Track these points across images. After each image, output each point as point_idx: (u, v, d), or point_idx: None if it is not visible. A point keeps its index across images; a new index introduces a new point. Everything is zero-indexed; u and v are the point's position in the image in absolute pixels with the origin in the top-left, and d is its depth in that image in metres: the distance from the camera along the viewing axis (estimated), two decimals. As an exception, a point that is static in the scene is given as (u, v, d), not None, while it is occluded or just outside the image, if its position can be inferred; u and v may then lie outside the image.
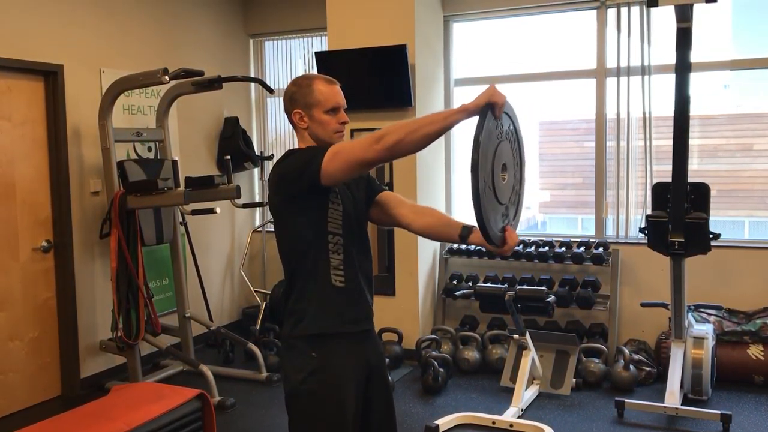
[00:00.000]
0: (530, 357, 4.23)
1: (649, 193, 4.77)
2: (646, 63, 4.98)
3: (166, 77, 4.20)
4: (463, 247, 5.34)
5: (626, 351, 4.57)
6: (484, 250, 5.01)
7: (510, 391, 4.27)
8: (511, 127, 2.14)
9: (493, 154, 1.99)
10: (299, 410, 2.15)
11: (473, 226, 2.12)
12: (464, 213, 5.72)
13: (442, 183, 5.61)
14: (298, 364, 2.12)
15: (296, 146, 2.24)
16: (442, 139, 4.97)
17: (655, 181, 4.76)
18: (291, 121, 2.20)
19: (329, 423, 2.11)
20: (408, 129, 1.91)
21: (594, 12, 5.13)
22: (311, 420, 2.13)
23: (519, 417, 4.02)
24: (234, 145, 5.85)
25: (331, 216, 2.13)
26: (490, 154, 1.96)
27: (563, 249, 5.11)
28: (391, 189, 5.18)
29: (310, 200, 2.09)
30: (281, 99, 2.35)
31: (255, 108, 6.44)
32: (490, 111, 1.94)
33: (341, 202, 2.16)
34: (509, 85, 5.65)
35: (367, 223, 2.30)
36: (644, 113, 5.02)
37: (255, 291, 6.00)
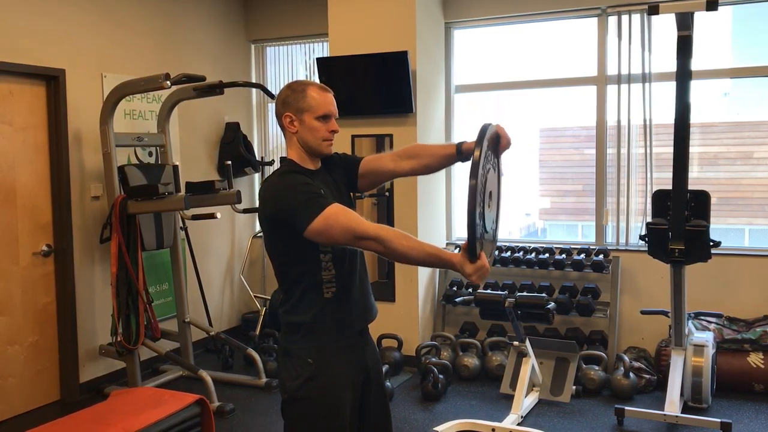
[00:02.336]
0: (530, 364, 4.22)
1: (649, 200, 4.77)
2: (646, 71, 4.99)
3: (168, 82, 4.20)
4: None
5: (626, 358, 4.56)
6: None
7: (510, 398, 4.26)
8: (497, 167, 2.18)
9: (486, 175, 2.02)
10: (296, 417, 2.15)
11: (464, 141, 2.18)
12: (464, 226, 5.72)
13: (443, 195, 5.61)
14: (295, 371, 2.12)
15: (287, 155, 2.23)
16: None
17: (655, 188, 4.76)
18: (281, 124, 2.20)
19: (327, 429, 2.11)
20: (398, 242, 1.96)
21: (595, 19, 5.14)
22: (309, 427, 2.13)
23: (519, 424, 4.01)
24: (235, 151, 5.86)
25: None
26: (484, 167, 2.00)
27: (563, 256, 5.11)
28: (391, 199, 5.20)
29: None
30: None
31: (256, 113, 6.45)
32: (490, 137, 2.02)
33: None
34: (510, 92, 5.68)
35: None
36: (645, 121, 5.02)
37: (255, 296, 6.00)
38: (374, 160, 2.31)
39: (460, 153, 2.18)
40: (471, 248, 1.93)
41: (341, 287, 2.15)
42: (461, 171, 5.70)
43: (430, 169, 2.29)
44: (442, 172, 5.56)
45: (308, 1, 5.94)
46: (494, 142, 2.10)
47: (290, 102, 2.17)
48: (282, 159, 2.25)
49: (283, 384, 2.16)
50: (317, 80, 5.31)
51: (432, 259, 1.98)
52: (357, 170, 2.31)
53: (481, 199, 1.98)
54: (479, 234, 1.96)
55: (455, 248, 5.47)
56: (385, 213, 5.32)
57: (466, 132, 5.68)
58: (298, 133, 2.18)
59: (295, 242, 2.07)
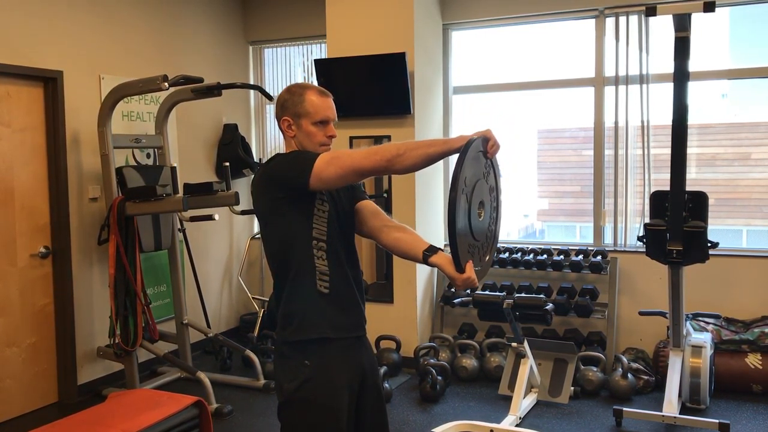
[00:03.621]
0: (528, 365, 4.22)
1: (647, 201, 4.78)
2: (644, 72, 4.99)
3: (166, 84, 4.20)
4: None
5: (624, 359, 4.57)
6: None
7: (508, 400, 4.26)
8: (492, 173, 2.18)
9: (473, 185, 2.05)
10: (293, 419, 2.14)
11: (440, 249, 2.14)
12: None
13: (441, 197, 5.61)
14: (292, 373, 2.12)
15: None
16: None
17: (653, 189, 4.77)
18: (280, 127, 2.21)
19: (324, 431, 2.10)
20: (408, 146, 1.95)
21: (593, 21, 5.15)
22: (306, 429, 2.12)
23: (517, 425, 4.01)
24: (233, 152, 5.86)
25: (316, 222, 2.12)
26: (471, 179, 2.02)
27: (561, 257, 5.12)
28: (389, 200, 5.20)
29: (295, 204, 2.09)
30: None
31: (254, 115, 6.45)
32: (481, 147, 2.05)
33: (327, 208, 2.15)
34: (508, 94, 5.69)
35: (353, 230, 2.29)
36: (642, 122, 5.03)
37: (253, 298, 5.99)
38: (371, 208, 2.28)
39: (425, 260, 2.12)
40: (456, 262, 1.99)
41: (335, 283, 2.14)
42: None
43: (398, 252, 2.23)
44: (440, 172, 5.56)
45: (306, 3, 5.95)
46: (483, 146, 2.09)
47: (288, 106, 2.17)
48: None
49: (280, 386, 2.15)
50: (315, 82, 5.32)
51: (439, 150, 1.99)
52: (357, 202, 2.29)
53: (467, 210, 2.00)
54: (463, 248, 1.99)
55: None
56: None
57: (463, 133, 5.67)
58: (296, 138, 2.18)
59: (294, 216, 2.08)
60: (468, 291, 5.22)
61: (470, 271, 2.01)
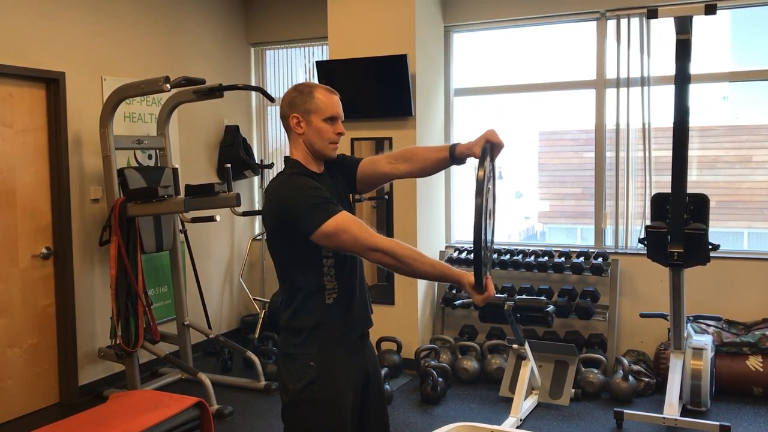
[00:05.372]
0: (529, 367, 4.22)
1: (648, 203, 4.78)
2: (645, 74, 4.99)
3: (167, 85, 4.21)
4: (463, 256, 5.34)
5: (625, 361, 4.57)
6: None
7: (509, 401, 4.26)
8: (491, 179, 2.17)
9: (489, 205, 2.04)
10: (298, 420, 2.14)
11: (458, 143, 2.17)
12: (464, 230, 5.73)
13: (443, 197, 5.62)
14: (297, 374, 2.12)
15: (291, 155, 2.23)
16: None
17: (654, 191, 4.78)
18: (287, 126, 2.19)
19: (328, 432, 2.11)
20: (410, 256, 1.99)
21: (594, 23, 5.15)
22: (310, 429, 2.13)
23: (518, 427, 4.01)
24: (234, 154, 5.87)
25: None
26: (488, 205, 2.02)
27: (562, 259, 5.12)
28: (390, 201, 5.20)
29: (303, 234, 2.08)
30: (282, 107, 2.36)
31: (255, 116, 6.46)
32: (489, 152, 2.02)
33: None
34: (509, 96, 5.69)
35: None
36: (644, 124, 5.03)
37: (254, 299, 6.00)
38: (371, 163, 2.31)
39: (453, 156, 2.18)
40: (478, 282, 1.97)
41: (342, 293, 2.15)
42: (461, 173, 5.71)
43: (425, 172, 2.28)
44: (441, 175, 5.56)
45: (308, 4, 5.95)
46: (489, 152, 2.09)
47: (297, 103, 2.16)
48: (286, 159, 2.23)
49: (285, 387, 2.15)
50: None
51: (441, 275, 2.02)
52: (356, 172, 2.31)
53: (485, 219, 1.98)
54: (485, 262, 1.98)
55: (455, 251, 5.47)
56: (385, 215, 5.32)
57: (465, 136, 5.69)
58: (305, 135, 2.17)
59: (299, 245, 2.07)
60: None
61: (491, 287, 2.02)
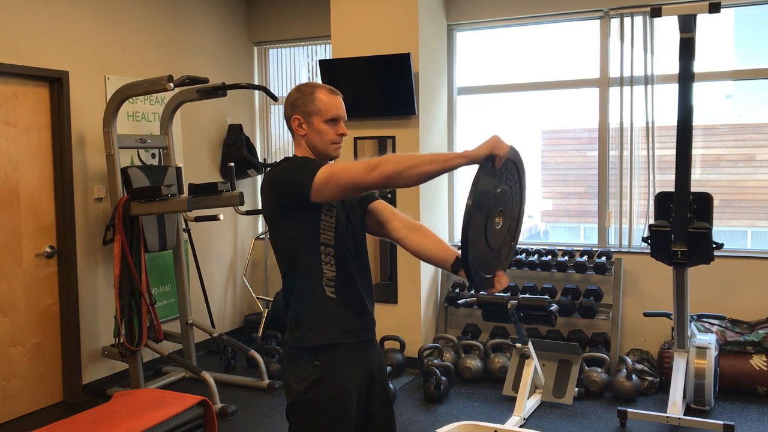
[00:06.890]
0: (532, 366, 4.22)
1: (651, 202, 4.77)
2: (649, 73, 4.99)
3: (171, 84, 4.21)
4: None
5: (629, 360, 4.56)
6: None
7: (512, 400, 4.26)
8: (514, 169, 2.11)
9: (489, 204, 1.99)
10: (303, 419, 2.14)
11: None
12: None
13: (445, 197, 5.62)
14: (301, 373, 2.11)
15: (293, 154, 2.24)
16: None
17: (657, 190, 4.77)
18: (290, 126, 2.20)
19: (333, 431, 2.10)
20: (408, 163, 1.90)
21: (597, 22, 5.14)
22: (315, 429, 2.12)
23: (521, 426, 4.01)
24: (237, 153, 5.87)
25: (323, 227, 2.11)
26: (485, 204, 1.97)
27: (566, 258, 5.11)
28: (393, 202, 5.19)
29: (302, 210, 2.08)
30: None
31: (258, 115, 6.46)
32: (491, 163, 1.93)
33: (336, 213, 2.14)
34: (512, 94, 5.69)
35: (364, 234, 2.29)
36: (647, 123, 5.02)
37: (257, 298, 6.00)
38: (387, 209, 2.28)
39: (455, 269, 2.15)
40: (472, 282, 2.01)
41: (343, 288, 2.14)
42: (461, 173, 5.70)
43: (423, 258, 2.24)
44: (444, 177, 5.54)
45: (311, 3, 5.95)
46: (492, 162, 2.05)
47: (299, 105, 2.17)
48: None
49: (289, 386, 2.14)
50: (320, 82, 5.32)
51: (436, 165, 1.91)
52: (368, 203, 2.28)
53: (484, 218, 1.96)
54: (501, 258, 2.02)
55: (458, 250, 5.45)
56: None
57: (468, 134, 5.69)
58: (307, 136, 2.17)
59: (300, 225, 2.08)
60: (472, 291, 5.22)
61: (498, 282, 2.04)
